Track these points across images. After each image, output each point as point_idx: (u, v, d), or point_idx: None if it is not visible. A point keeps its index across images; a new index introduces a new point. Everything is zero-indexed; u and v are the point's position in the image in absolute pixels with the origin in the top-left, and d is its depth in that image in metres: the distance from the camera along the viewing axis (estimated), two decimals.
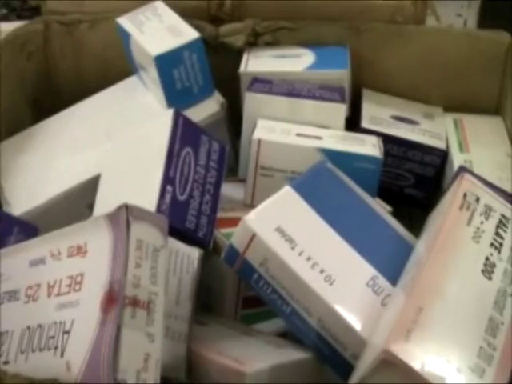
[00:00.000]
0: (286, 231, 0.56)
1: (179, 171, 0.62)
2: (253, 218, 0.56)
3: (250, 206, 0.69)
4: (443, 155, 0.81)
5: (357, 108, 0.85)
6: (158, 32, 0.75)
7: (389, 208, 0.74)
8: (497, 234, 0.55)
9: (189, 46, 0.73)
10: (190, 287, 0.58)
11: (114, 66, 0.85)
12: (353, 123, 0.81)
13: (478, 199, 0.57)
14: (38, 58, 0.86)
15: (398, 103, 0.87)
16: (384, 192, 0.73)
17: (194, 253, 0.59)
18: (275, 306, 0.57)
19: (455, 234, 0.53)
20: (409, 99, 0.88)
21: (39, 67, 0.87)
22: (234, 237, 0.57)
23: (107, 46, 0.85)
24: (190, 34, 0.74)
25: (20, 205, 0.72)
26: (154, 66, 0.72)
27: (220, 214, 0.66)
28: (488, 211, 0.56)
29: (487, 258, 0.53)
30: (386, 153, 0.77)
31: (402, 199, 0.84)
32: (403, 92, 0.88)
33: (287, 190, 0.59)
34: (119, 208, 0.48)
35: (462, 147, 0.80)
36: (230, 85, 0.81)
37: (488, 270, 0.52)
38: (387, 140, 0.78)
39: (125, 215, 0.48)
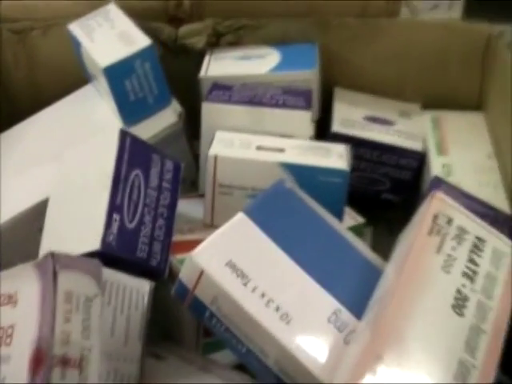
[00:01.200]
0: (238, 265, 0.51)
1: (127, 197, 0.58)
2: (200, 253, 0.51)
3: (210, 225, 0.64)
4: (420, 157, 0.76)
5: (329, 108, 0.80)
6: (109, 39, 0.70)
7: (361, 220, 0.69)
8: (470, 260, 0.50)
9: (140, 55, 0.68)
10: (140, 325, 0.53)
11: (69, 73, 0.79)
12: (325, 124, 0.77)
13: (450, 221, 0.52)
14: None
15: (372, 102, 0.82)
16: (360, 198, 0.69)
17: (144, 287, 0.54)
18: (230, 345, 0.53)
19: (423, 265, 0.49)
20: (384, 97, 0.83)
21: None
22: (182, 272, 0.52)
23: (62, 52, 0.80)
24: (141, 41, 0.68)
25: None
26: (104, 77, 0.67)
27: (177, 237, 0.62)
28: (461, 234, 0.52)
29: (459, 291, 0.48)
30: (360, 157, 0.73)
31: (379, 204, 0.80)
32: (378, 89, 0.83)
33: (240, 218, 0.54)
34: (46, 256, 0.44)
35: (441, 149, 0.76)
36: (192, 89, 0.76)
37: (459, 304, 0.47)
38: (360, 144, 0.74)
39: (51, 264, 0.43)
